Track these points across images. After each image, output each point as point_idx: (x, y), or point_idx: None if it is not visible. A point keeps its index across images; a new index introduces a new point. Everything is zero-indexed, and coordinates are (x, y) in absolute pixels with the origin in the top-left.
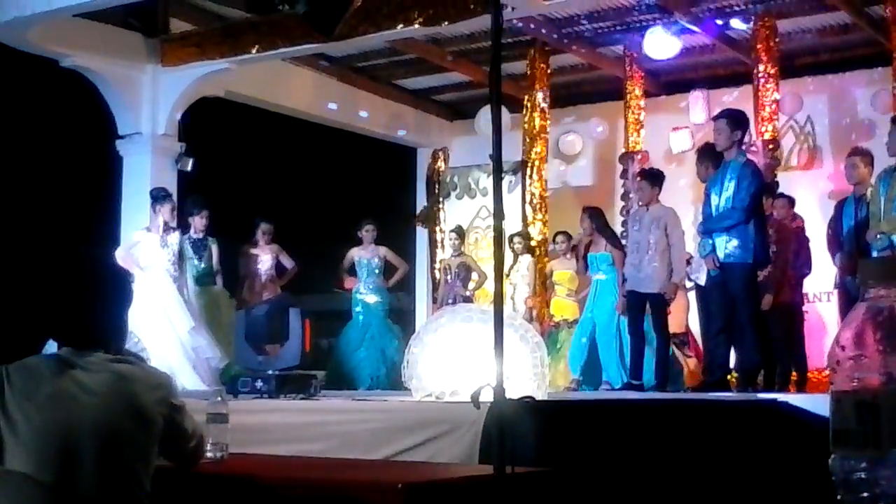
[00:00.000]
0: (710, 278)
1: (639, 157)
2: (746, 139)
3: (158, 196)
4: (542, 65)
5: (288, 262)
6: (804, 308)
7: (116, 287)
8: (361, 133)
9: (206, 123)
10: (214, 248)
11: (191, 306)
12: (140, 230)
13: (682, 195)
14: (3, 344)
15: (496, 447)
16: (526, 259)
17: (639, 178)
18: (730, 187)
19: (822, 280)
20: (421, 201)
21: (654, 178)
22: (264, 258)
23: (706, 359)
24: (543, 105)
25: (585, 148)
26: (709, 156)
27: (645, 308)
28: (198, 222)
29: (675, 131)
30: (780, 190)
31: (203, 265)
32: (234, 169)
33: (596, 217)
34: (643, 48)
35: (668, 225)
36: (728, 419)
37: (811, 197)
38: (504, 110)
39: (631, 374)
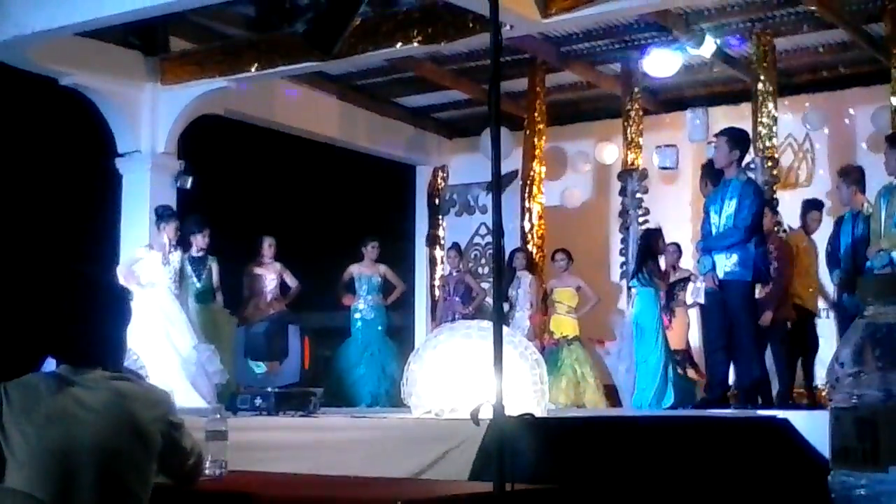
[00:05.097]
0: (708, 296)
1: (637, 174)
2: (747, 158)
3: (164, 214)
4: (540, 83)
5: (292, 281)
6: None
7: (115, 305)
8: (361, 151)
9: (205, 141)
10: (214, 267)
11: (193, 323)
12: (142, 247)
13: (679, 212)
14: (2, 361)
15: (496, 464)
16: (526, 276)
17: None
18: (731, 206)
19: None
20: (420, 219)
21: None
22: (269, 277)
23: (706, 376)
24: (542, 123)
25: (584, 165)
26: (708, 173)
27: None
28: (199, 241)
29: (658, 149)
30: (779, 208)
31: (202, 284)
32: (233, 187)
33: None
34: (642, 66)
35: None
36: (728, 436)
37: None
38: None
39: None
